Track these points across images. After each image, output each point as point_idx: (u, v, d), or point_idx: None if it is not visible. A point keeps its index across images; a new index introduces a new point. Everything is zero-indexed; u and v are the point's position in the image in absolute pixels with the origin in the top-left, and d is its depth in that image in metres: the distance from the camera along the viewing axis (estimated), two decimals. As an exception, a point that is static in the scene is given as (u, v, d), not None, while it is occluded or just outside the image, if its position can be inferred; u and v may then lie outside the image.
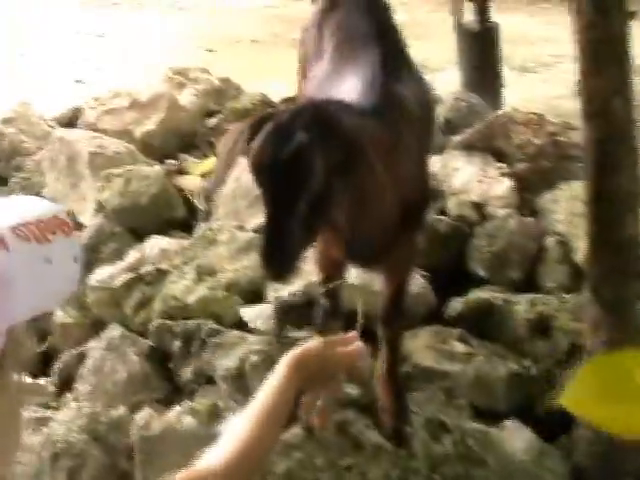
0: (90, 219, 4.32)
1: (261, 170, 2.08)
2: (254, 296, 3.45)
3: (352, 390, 2.83)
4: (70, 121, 5.44)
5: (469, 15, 6.20)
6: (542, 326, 3.26)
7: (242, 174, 3.94)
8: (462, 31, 6.24)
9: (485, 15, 6.12)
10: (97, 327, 3.73)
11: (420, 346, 3.16)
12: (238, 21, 11.34)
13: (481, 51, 6.20)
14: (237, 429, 1.69)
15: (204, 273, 3.50)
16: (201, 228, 3.85)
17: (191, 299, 3.42)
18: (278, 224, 2.00)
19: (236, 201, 3.96)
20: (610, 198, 2.80)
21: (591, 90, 2.80)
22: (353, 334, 2.08)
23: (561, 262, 3.58)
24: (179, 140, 5.02)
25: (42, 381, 3.67)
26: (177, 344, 3.30)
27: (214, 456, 1.65)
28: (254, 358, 2.95)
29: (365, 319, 2.93)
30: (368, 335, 2.97)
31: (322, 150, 2.04)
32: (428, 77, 8.02)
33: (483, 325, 3.31)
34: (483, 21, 6.13)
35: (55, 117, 5.63)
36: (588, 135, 2.84)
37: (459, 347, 3.17)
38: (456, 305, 3.39)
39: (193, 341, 3.26)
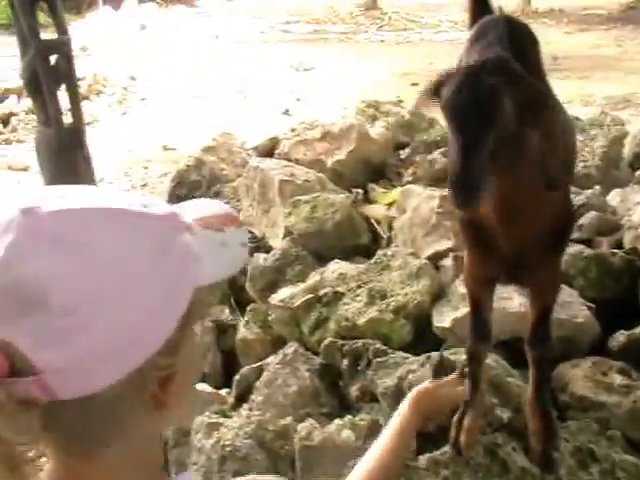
0: (279, 243, 4.57)
1: (456, 109, 2.22)
2: (421, 320, 3.60)
3: (503, 413, 2.91)
4: (268, 150, 5.75)
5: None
6: None
7: (420, 204, 4.12)
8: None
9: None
10: (277, 344, 3.97)
11: (579, 376, 3.21)
12: (442, 53, 11.52)
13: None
14: (368, 455, 1.95)
15: (375, 296, 3.67)
16: (378, 254, 4.02)
17: (361, 320, 3.59)
18: (468, 157, 2.14)
19: (413, 230, 4.12)
20: None
21: None
22: (457, 376, 2.29)
23: None
24: (368, 170, 5.22)
25: (223, 392, 3.93)
26: (345, 362, 3.47)
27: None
28: (411, 377, 3.09)
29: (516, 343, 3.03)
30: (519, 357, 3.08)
31: (511, 92, 2.20)
32: (630, 112, 7.95)
33: (647, 359, 3.33)
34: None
35: (254, 146, 5.96)
36: None
37: (618, 379, 3.20)
38: (620, 337, 3.41)
39: (360, 360, 3.43)
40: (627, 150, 5.10)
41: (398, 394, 3.10)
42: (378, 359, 3.32)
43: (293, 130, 5.92)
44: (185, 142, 8.41)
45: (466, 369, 2.66)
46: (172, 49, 14.72)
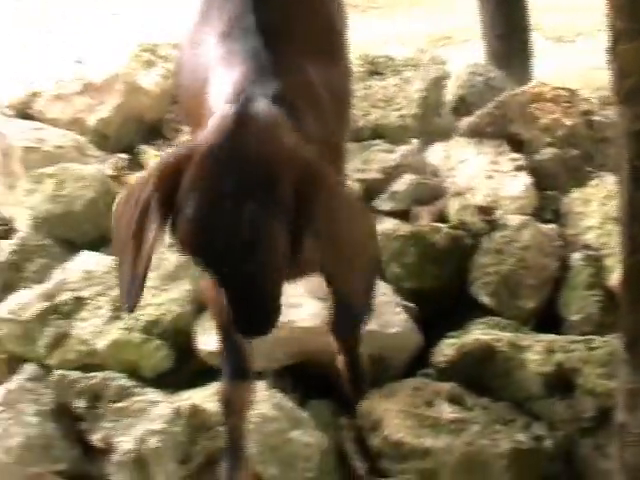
0: (26, 227, 3.57)
1: (210, 254, 1.66)
2: (182, 339, 2.68)
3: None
4: (25, 108, 4.72)
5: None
6: (561, 383, 2.46)
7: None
8: (484, -5, 5.54)
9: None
10: (14, 365, 2.99)
11: (394, 411, 2.35)
12: None
13: (506, 17, 5.47)
14: None
15: (120, 308, 2.73)
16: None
17: (101, 344, 2.65)
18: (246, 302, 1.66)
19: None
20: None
21: (627, 58, 1.97)
22: None
23: (590, 287, 2.77)
24: (141, 129, 4.25)
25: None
26: (82, 404, 2.53)
27: None
28: (152, 441, 2.16)
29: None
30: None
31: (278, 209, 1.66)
32: (451, 51, 7.34)
33: (482, 377, 2.51)
34: (507, -17, 5.41)
35: (12, 104, 4.91)
36: (624, 126, 2.00)
37: (447, 412, 2.37)
38: (447, 350, 2.57)
39: (100, 401, 2.49)
40: (450, 94, 4.30)
41: (140, 464, 2.20)
42: (119, 404, 2.39)
43: (57, 82, 4.86)
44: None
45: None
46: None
